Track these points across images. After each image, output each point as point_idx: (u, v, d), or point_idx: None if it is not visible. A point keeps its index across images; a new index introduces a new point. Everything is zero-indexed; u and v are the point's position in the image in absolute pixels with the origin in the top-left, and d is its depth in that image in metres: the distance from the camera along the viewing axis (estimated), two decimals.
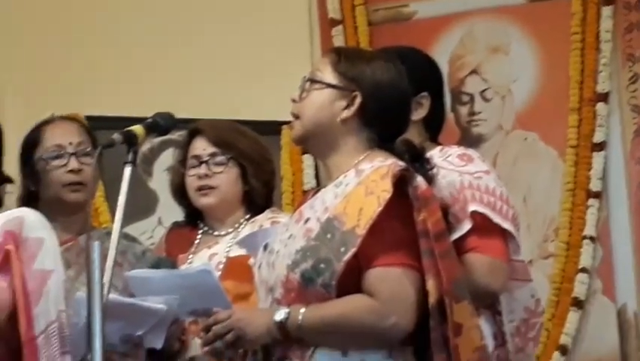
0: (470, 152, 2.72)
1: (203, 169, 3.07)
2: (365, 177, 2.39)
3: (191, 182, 3.09)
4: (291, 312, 2.36)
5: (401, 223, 2.35)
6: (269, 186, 3.17)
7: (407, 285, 2.34)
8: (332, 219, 2.37)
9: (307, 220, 2.43)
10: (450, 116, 4.09)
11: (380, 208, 2.32)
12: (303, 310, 2.36)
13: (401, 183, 2.35)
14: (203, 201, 3.09)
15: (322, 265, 2.34)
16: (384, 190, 2.33)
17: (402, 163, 2.41)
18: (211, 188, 3.07)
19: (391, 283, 2.34)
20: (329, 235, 2.36)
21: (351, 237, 2.33)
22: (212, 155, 3.08)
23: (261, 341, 2.41)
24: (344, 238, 2.34)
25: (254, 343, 2.43)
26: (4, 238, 2.68)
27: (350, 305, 2.35)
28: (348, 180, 2.42)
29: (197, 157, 3.09)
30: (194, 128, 3.13)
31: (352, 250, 2.32)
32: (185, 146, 3.15)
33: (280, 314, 2.37)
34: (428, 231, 2.34)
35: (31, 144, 3.07)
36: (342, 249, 2.33)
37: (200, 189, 3.08)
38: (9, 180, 2.91)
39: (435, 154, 2.65)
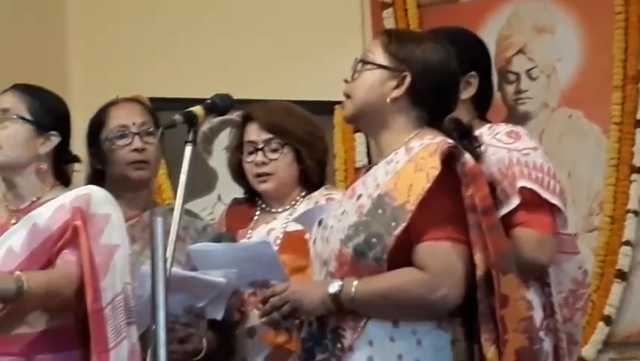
0: (518, 129, 2.70)
1: (259, 157, 3.06)
2: (414, 155, 2.39)
3: (249, 168, 3.09)
4: (344, 284, 2.38)
5: (449, 199, 2.36)
6: (322, 163, 3.16)
7: (456, 258, 2.35)
8: (383, 196, 2.38)
9: (359, 197, 2.44)
10: (497, 94, 4.04)
11: (429, 184, 2.32)
12: (355, 282, 2.37)
13: (449, 159, 2.36)
14: (261, 187, 3.09)
15: (374, 240, 2.35)
16: (433, 167, 2.33)
17: (450, 141, 2.40)
18: (269, 175, 3.07)
19: (440, 257, 2.34)
20: (380, 211, 2.37)
21: (401, 212, 2.34)
22: (267, 141, 3.06)
23: (316, 312, 2.42)
24: (394, 214, 2.34)
25: (309, 314, 2.44)
26: (73, 214, 2.71)
27: (401, 278, 2.36)
28: (398, 158, 2.42)
29: (252, 143, 3.08)
30: (247, 114, 3.13)
31: (403, 225, 2.33)
32: (239, 130, 3.15)
33: (334, 287, 2.38)
34: (476, 206, 2.34)
35: (97, 124, 3.10)
36: (393, 224, 2.34)
37: (258, 175, 3.08)
38: (76, 160, 2.92)
39: (484, 132, 2.64)
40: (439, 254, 2.34)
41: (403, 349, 2.36)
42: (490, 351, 2.32)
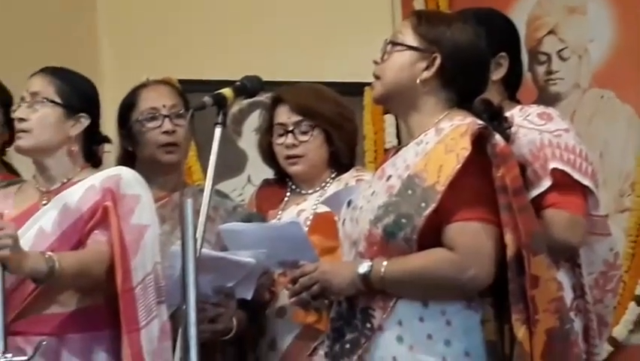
0: (550, 110, 2.68)
1: (290, 139, 3.04)
2: (444, 136, 2.37)
3: (280, 151, 3.07)
4: (373, 265, 2.36)
5: (480, 180, 2.33)
6: (352, 145, 3.15)
7: (486, 239, 2.33)
8: (413, 177, 2.36)
9: (389, 177, 2.42)
10: (527, 75, 4.00)
11: (459, 165, 2.30)
12: (385, 262, 2.35)
13: (480, 140, 2.33)
14: (292, 169, 3.07)
15: (404, 220, 2.33)
16: (464, 148, 2.31)
17: (480, 122, 2.38)
18: (299, 157, 3.05)
19: (470, 237, 2.32)
20: (410, 191, 2.35)
21: (431, 193, 2.32)
22: (297, 123, 3.04)
23: (346, 292, 2.41)
24: (424, 194, 2.32)
25: (339, 294, 2.43)
26: (103, 194, 2.71)
27: (431, 258, 2.34)
28: (428, 139, 2.40)
29: (282, 125, 3.06)
30: (276, 96, 3.10)
31: (432, 206, 2.31)
32: (269, 112, 3.13)
33: (364, 267, 2.37)
34: (506, 186, 2.32)
35: (127, 106, 3.09)
36: (423, 204, 2.32)
37: (288, 157, 3.06)
38: (107, 140, 2.92)
39: (515, 113, 2.62)
40: (469, 234, 2.32)
41: (433, 329, 2.35)
42: (520, 331, 2.30)
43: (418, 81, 2.43)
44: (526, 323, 2.31)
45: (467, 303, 2.36)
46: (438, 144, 2.36)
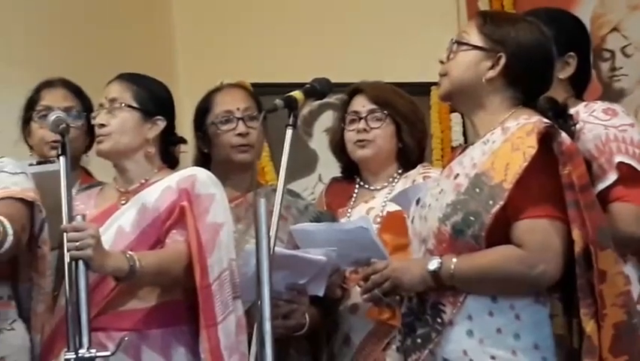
0: (615, 106, 2.66)
1: (362, 124, 3.05)
2: (511, 134, 2.35)
3: (350, 136, 3.08)
4: (443, 262, 2.35)
5: (547, 177, 2.31)
6: (421, 145, 3.14)
7: (554, 235, 2.30)
8: (480, 175, 2.34)
9: (457, 176, 2.41)
10: (592, 72, 3.94)
11: (526, 163, 2.28)
12: (455, 259, 2.34)
13: (546, 139, 2.31)
14: (360, 153, 3.07)
15: (472, 218, 2.32)
16: (530, 146, 2.29)
17: (546, 120, 2.35)
18: (368, 141, 3.05)
19: (539, 234, 2.30)
20: (477, 190, 2.33)
21: (499, 191, 2.30)
22: (371, 111, 3.05)
23: (416, 288, 2.40)
24: (492, 192, 2.31)
25: (409, 290, 2.42)
26: (179, 195, 2.73)
27: (500, 255, 2.32)
28: (494, 138, 2.38)
29: (356, 113, 3.07)
30: (354, 88, 3.12)
31: (500, 203, 2.29)
32: (345, 104, 3.13)
33: (433, 264, 2.35)
34: (573, 183, 2.29)
35: (203, 110, 3.11)
36: (491, 202, 2.30)
37: (358, 141, 3.05)
38: (183, 141, 2.94)
39: (580, 109, 2.61)
40: (538, 231, 2.30)
41: (502, 323, 2.33)
42: (589, 325, 2.27)
43: (483, 80, 2.41)
44: (594, 317, 2.28)
45: (535, 297, 2.34)
46: (504, 142, 2.34)
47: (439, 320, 2.35)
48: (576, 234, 2.28)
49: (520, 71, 2.40)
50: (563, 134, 2.33)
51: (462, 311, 2.34)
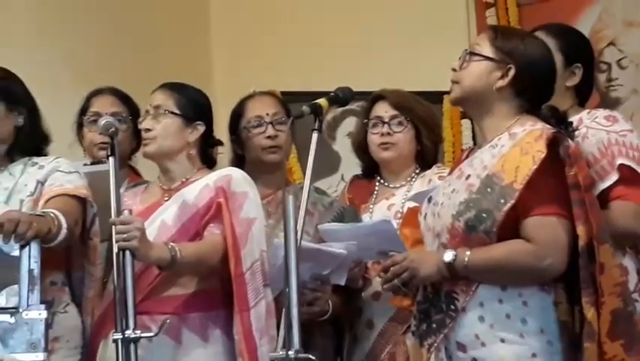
0: (615, 113, 2.67)
1: (385, 128, 3.05)
2: (519, 140, 2.36)
3: (374, 139, 3.08)
4: (458, 254, 2.35)
5: (554, 179, 2.32)
6: (437, 147, 3.15)
7: (561, 231, 2.31)
8: (491, 176, 2.35)
9: (468, 177, 2.42)
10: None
11: (535, 166, 2.29)
12: (468, 252, 2.34)
13: (553, 144, 2.32)
14: (384, 155, 3.08)
15: (484, 215, 2.32)
16: (539, 150, 2.30)
17: (550, 127, 2.36)
18: (392, 144, 3.05)
19: (547, 230, 2.30)
20: (489, 189, 2.34)
21: (509, 190, 2.31)
22: (394, 117, 3.06)
23: (432, 278, 2.40)
24: (503, 192, 2.32)
25: (425, 280, 2.42)
26: (216, 192, 2.74)
27: (511, 248, 2.33)
28: (502, 142, 2.40)
29: (379, 118, 3.08)
30: (377, 95, 3.12)
31: (511, 202, 2.30)
32: (367, 109, 3.13)
33: (449, 256, 2.36)
34: (579, 183, 2.30)
35: (236, 115, 3.12)
36: (502, 201, 2.31)
37: (382, 144, 3.06)
38: (220, 143, 2.96)
39: (583, 116, 2.61)
40: (546, 227, 2.31)
41: (511, 309, 2.33)
42: (590, 312, 2.28)
43: (493, 88, 2.41)
44: (594, 305, 2.28)
45: (541, 286, 2.34)
46: (513, 147, 2.35)
47: (452, 307, 2.36)
48: (580, 230, 2.28)
49: (528, 82, 2.40)
50: (569, 140, 2.34)
51: (474, 299, 2.34)
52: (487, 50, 2.42)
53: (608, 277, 2.29)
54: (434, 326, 2.38)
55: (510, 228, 2.32)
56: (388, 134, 3.03)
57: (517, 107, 2.41)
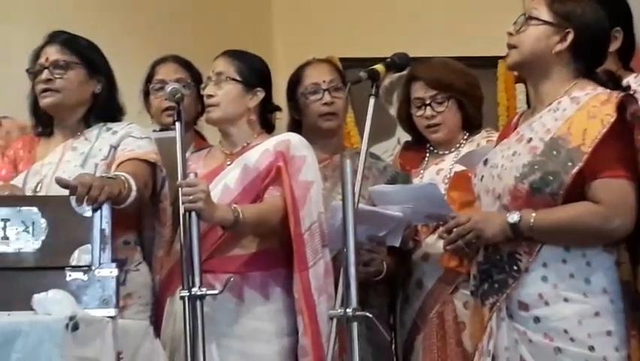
0: None
1: (428, 111, 2.99)
2: (585, 103, 2.31)
3: (420, 122, 3.02)
4: (522, 215, 2.31)
5: (621, 142, 2.27)
6: (481, 108, 3.07)
7: (629, 193, 2.27)
8: (556, 139, 2.30)
9: (530, 140, 2.36)
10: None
11: (605, 130, 2.25)
12: (534, 214, 2.30)
13: (621, 108, 2.27)
14: (433, 136, 3.02)
15: (550, 177, 2.28)
16: (608, 114, 2.25)
17: (614, 91, 2.31)
18: (438, 125, 3.00)
19: (615, 192, 2.27)
20: (555, 152, 2.29)
21: (577, 153, 2.26)
22: (433, 97, 2.99)
23: (496, 239, 2.36)
24: (570, 154, 2.27)
25: (490, 240, 2.38)
26: (276, 157, 2.73)
27: (579, 210, 2.28)
28: (564, 106, 2.34)
29: (420, 99, 3.01)
30: (411, 74, 3.03)
31: (579, 165, 2.26)
32: (405, 87, 3.07)
33: (513, 217, 2.32)
34: None
35: (294, 82, 3.08)
36: (570, 163, 2.27)
37: (429, 127, 3.01)
38: (278, 109, 2.93)
39: (630, 80, 2.55)
40: (614, 189, 2.27)
41: (574, 269, 2.30)
42: None
43: (552, 52, 2.36)
44: None
45: (604, 246, 2.31)
46: (579, 110, 2.30)
47: (515, 268, 2.32)
48: None
49: (585, 45, 2.36)
50: (638, 102, 2.29)
51: (537, 259, 2.31)
52: (544, 14, 2.37)
53: None
54: (496, 285, 2.34)
55: (575, 190, 2.27)
56: (433, 116, 2.97)
57: (574, 70, 2.36)
